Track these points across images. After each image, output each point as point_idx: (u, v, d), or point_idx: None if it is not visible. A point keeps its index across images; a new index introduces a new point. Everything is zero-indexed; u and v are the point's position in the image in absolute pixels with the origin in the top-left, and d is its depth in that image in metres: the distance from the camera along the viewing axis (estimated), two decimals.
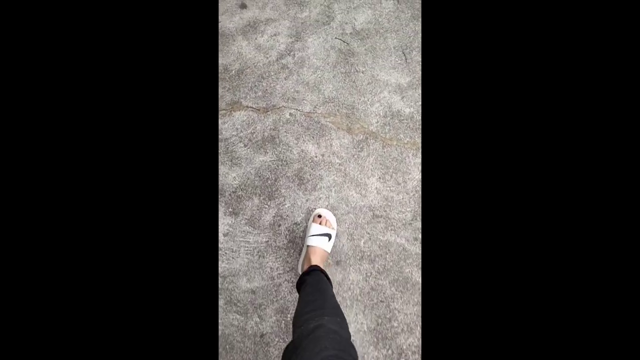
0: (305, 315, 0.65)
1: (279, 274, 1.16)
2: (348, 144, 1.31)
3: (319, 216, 1.09)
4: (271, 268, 1.17)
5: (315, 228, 1.06)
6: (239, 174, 1.28)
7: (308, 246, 1.04)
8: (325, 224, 1.08)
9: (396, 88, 1.40)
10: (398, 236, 1.19)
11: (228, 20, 1.55)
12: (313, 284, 0.82)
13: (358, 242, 1.18)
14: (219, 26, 1.56)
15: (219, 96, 1.41)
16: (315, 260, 0.98)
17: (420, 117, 1.34)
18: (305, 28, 1.52)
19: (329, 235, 1.06)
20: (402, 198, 1.23)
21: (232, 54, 1.48)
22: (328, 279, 0.88)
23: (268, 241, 1.19)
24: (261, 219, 1.22)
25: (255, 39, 1.51)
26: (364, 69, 1.44)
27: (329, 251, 1.06)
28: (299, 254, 1.13)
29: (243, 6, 1.59)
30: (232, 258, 1.18)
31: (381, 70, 1.44)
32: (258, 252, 1.18)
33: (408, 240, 1.18)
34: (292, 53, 1.47)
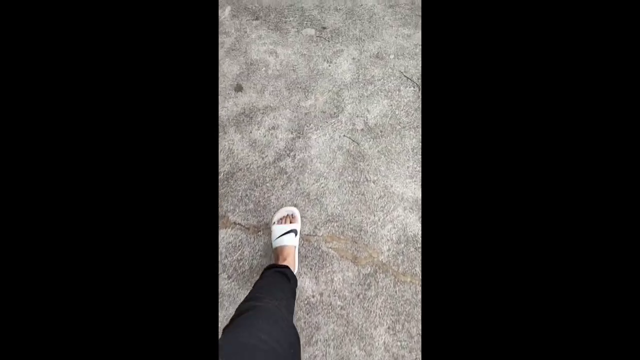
0: (244, 304, 0.67)
1: None
2: (353, 279, 1.08)
3: (281, 219, 1.08)
4: None
5: (278, 229, 1.05)
6: (220, 318, 1.05)
7: (275, 248, 1.04)
8: (287, 222, 1.07)
9: (413, 204, 1.18)
10: None
11: (220, 106, 1.34)
12: (265, 280, 0.84)
13: None
14: None
15: None
16: (284, 260, 1.00)
17: None
18: (309, 121, 1.31)
19: (294, 231, 1.06)
20: (415, 358, 1.00)
21: (222, 150, 1.27)
22: (292, 276, 0.89)
23: None
24: None
25: (250, 132, 1.29)
26: (375, 178, 1.21)
27: (297, 245, 1.07)
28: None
29: (239, 88, 1.37)
30: None
31: (396, 179, 1.21)
32: None
33: None
34: (292, 153, 1.25)
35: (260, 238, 1.14)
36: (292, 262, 1.03)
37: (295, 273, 1.00)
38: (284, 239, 1.04)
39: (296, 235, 1.06)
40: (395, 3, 1.56)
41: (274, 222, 1.08)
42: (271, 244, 1.07)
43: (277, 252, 1.03)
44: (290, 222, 1.08)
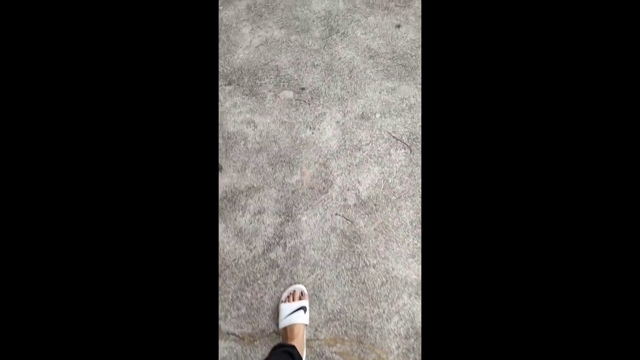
0: None
1: None
2: None
3: (288, 296, 1.04)
4: None
5: (287, 308, 1.01)
6: None
7: (285, 328, 0.99)
8: (296, 300, 1.03)
9: (418, 288, 1.09)
10: None
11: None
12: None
13: None
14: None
15: None
16: (292, 339, 0.96)
17: None
18: (297, 200, 1.20)
19: (304, 308, 1.02)
20: None
21: None
22: (297, 356, 0.85)
23: None
24: None
25: (235, 219, 1.18)
26: (375, 261, 1.12)
27: (307, 322, 1.02)
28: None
29: (217, 169, 1.25)
30: None
31: (397, 260, 1.13)
32: None
33: None
34: (282, 241, 1.15)
35: (257, 349, 1.03)
36: (301, 342, 0.98)
37: (303, 357, 0.96)
38: (292, 317, 1.00)
39: (305, 312, 1.02)
40: (375, 53, 1.46)
41: (282, 301, 1.04)
42: (278, 323, 1.02)
43: (286, 332, 0.99)
44: (300, 299, 1.04)
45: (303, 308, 1.02)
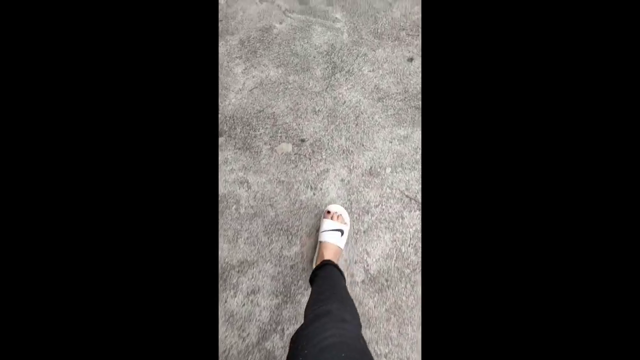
0: (314, 305, 0.67)
1: None
2: None
3: (329, 212, 1.06)
4: None
5: (327, 224, 1.03)
6: None
7: (320, 242, 1.02)
8: (337, 219, 1.05)
9: None
10: None
11: None
12: (325, 277, 0.84)
13: None
14: None
15: None
16: (328, 255, 0.97)
17: None
18: (296, 276, 1.05)
19: (341, 231, 1.03)
20: None
21: None
22: (341, 273, 0.88)
23: None
24: None
25: (225, 301, 1.04)
26: (387, 350, 0.97)
27: (342, 247, 1.03)
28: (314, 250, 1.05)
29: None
30: None
31: (412, 348, 0.97)
32: None
33: None
34: (279, 327, 1.00)
35: None
36: (335, 259, 0.99)
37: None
38: (328, 236, 1.01)
39: (342, 235, 1.04)
40: (385, 95, 1.28)
41: (324, 215, 1.06)
42: (317, 237, 1.06)
43: (322, 247, 1.00)
44: (340, 221, 1.05)
45: (340, 231, 1.03)
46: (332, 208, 1.07)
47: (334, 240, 1.01)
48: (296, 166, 1.19)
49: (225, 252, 1.10)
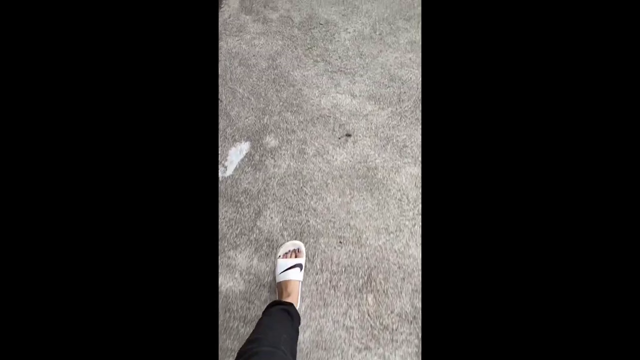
0: (246, 345, 0.66)
1: None
2: None
3: (285, 254, 1.06)
4: None
5: (283, 263, 1.02)
6: None
7: (278, 283, 1.00)
8: (292, 256, 1.05)
9: None
10: None
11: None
12: (269, 318, 0.81)
13: None
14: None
15: None
16: (287, 296, 0.96)
17: None
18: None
19: (299, 265, 1.02)
20: None
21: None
22: (295, 314, 0.85)
23: None
24: None
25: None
26: None
27: (301, 279, 1.02)
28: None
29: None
30: None
31: None
32: None
33: None
34: None
35: None
36: (296, 297, 0.99)
37: (297, 308, 0.96)
38: (288, 273, 1.01)
39: (301, 269, 1.04)
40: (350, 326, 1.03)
41: (279, 256, 1.06)
42: (274, 278, 1.04)
43: (282, 286, 1.00)
44: (296, 256, 1.06)
45: (299, 265, 1.03)
46: (288, 246, 1.08)
47: (294, 277, 1.01)
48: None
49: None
